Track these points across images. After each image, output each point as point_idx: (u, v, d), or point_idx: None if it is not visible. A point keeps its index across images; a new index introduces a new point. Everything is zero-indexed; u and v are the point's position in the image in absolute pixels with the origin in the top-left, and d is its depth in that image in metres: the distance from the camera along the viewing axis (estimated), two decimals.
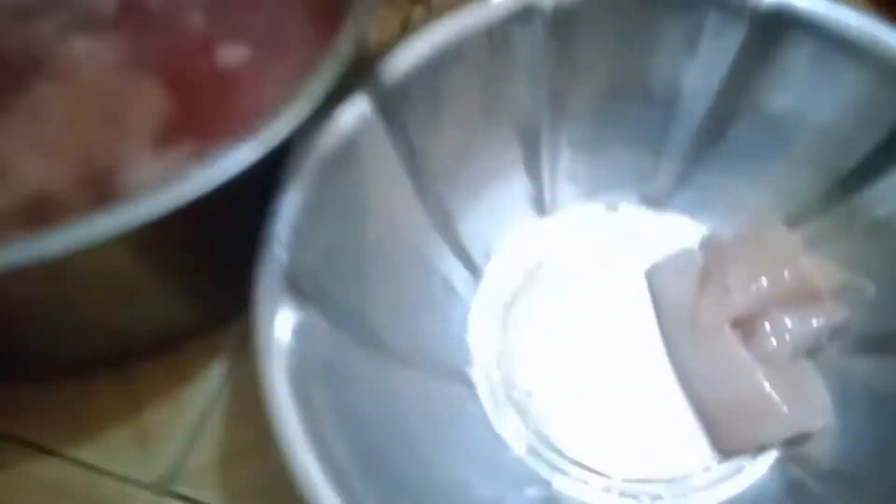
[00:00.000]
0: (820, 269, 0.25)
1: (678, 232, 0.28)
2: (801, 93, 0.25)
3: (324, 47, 0.21)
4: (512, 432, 0.24)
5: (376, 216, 0.24)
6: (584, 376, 0.25)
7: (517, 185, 0.28)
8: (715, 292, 0.25)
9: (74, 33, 0.26)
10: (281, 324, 0.20)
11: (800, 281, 0.24)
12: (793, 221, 0.26)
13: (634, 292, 0.27)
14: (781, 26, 0.24)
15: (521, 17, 0.24)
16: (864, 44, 0.24)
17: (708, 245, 0.27)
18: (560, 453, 0.24)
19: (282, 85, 0.24)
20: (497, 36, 0.24)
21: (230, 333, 0.26)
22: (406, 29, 0.32)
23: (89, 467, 0.24)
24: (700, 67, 0.26)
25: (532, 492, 0.23)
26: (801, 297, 0.24)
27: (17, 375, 0.25)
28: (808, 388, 0.24)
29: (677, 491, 0.23)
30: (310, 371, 0.19)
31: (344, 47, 0.21)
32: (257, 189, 0.22)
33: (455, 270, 0.27)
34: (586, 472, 0.24)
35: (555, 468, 0.24)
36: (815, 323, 0.24)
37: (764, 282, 0.24)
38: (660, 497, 0.23)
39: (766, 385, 0.23)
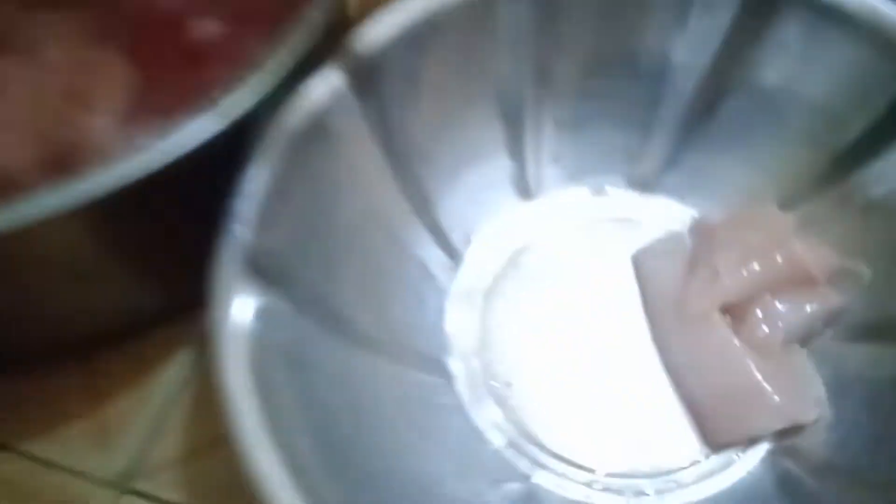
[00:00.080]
0: (814, 253, 0.24)
1: (666, 215, 0.27)
2: (794, 68, 0.25)
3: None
4: (491, 425, 0.24)
5: (349, 197, 0.23)
6: (567, 366, 0.25)
7: (499, 167, 0.27)
8: (704, 277, 0.24)
9: (39, 9, 0.26)
10: (240, 308, 0.19)
11: (793, 265, 0.24)
12: (786, 203, 0.26)
13: (620, 278, 0.26)
14: None
15: None
16: (862, 16, 0.23)
17: (697, 228, 0.26)
18: (541, 446, 0.23)
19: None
20: (479, 5, 0.24)
21: (198, 321, 0.25)
22: None
23: (44, 463, 0.23)
24: (690, 41, 0.25)
25: (511, 487, 0.22)
26: (795, 282, 0.24)
27: None
28: (801, 377, 0.24)
29: (663, 486, 0.23)
30: (271, 359, 0.19)
31: (313, 16, 0.21)
32: (223, 166, 0.21)
33: (433, 255, 0.26)
34: (568, 466, 0.23)
35: (535, 462, 0.23)
36: (808, 309, 0.24)
37: (755, 266, 0.24)
38: (644, 492, 0.23)
39: (758, 374, 0.23)
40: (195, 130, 0.19)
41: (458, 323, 0.25)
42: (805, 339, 0.24)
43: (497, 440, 0.23)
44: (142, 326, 0.25)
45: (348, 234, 0.23)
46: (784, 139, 0.26)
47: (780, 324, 0.24)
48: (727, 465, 0.23)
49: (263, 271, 0.20)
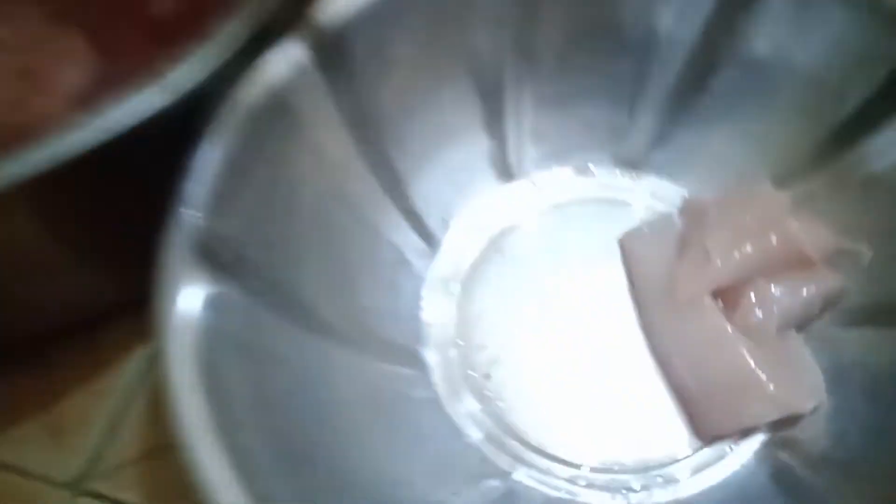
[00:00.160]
0: (810, 233, 0.24)
1: (655, 195, 0.27)
2: (787, 37, 0.24)
3: None
4: (468, 418, 0.23)
5: (313, 178, 0.22)
6: (550, 356, 0.24)
7: (478, 146, 0.26)
8: (694, 260, 0.24)
9: None
10: (188, 297, 0.18)
11: (788, 246, 0.23)
12: (780, 181, 0.25)
13: (607, 263, 0.26)
14: None
15: None
16: None
17: (688, 208, 0.26)
18: (522, 441, 0.23)
19: None
20: None
21: None
22: None
23: None
24: (677, 9, 0.24)
25: (490, 484, 0.22)
26: (790, 264, 0.23)
27: None
28: (797, 364, 0.23)
29: (651, 481, 0.22)
30: (223, 352, 0.17)
31: None
32: (177, 145, 0.20)
33: (408, 240, 0.25)
34: (551, 462, 0.22)
35: (516, 457, 0.22)
36: (805, 292, 0.23)
37: (748, 247, 0.23)
38: (632, 488, 0.22)
39: (751, 361, 0.22)
40: (138, 105, 0.18)
41: (435, 311, 0.25)
42: (801, 324, 0.24)
43: (475, 434, 0.23)
44: (96, 320, 0.24)
45: (312, 217, 0.22)
46: (778, 113, 0.25)
47: (774, 308, 0.23)
48: (719, 459, 0.22)
49: (215, 258, 0.18)
